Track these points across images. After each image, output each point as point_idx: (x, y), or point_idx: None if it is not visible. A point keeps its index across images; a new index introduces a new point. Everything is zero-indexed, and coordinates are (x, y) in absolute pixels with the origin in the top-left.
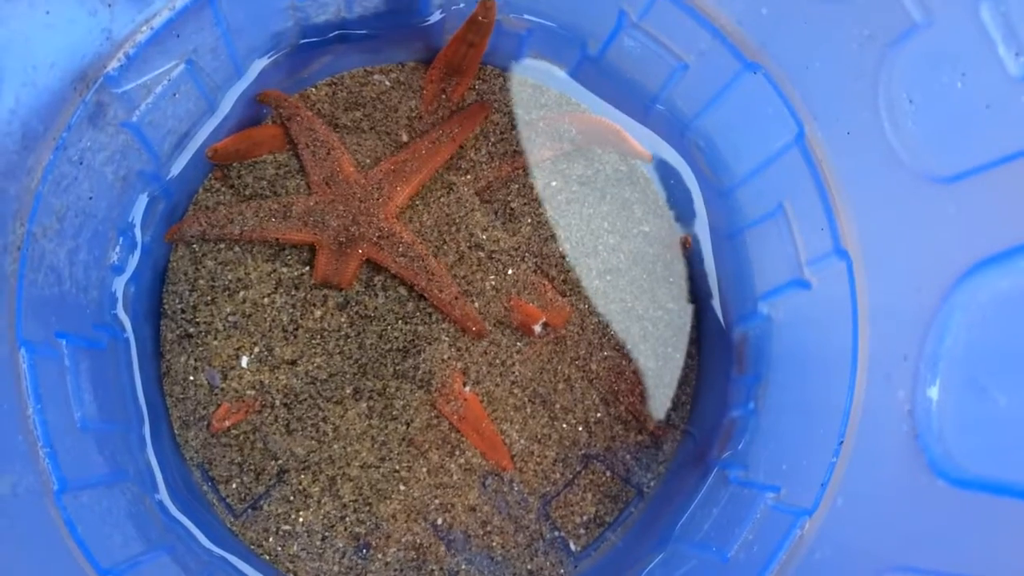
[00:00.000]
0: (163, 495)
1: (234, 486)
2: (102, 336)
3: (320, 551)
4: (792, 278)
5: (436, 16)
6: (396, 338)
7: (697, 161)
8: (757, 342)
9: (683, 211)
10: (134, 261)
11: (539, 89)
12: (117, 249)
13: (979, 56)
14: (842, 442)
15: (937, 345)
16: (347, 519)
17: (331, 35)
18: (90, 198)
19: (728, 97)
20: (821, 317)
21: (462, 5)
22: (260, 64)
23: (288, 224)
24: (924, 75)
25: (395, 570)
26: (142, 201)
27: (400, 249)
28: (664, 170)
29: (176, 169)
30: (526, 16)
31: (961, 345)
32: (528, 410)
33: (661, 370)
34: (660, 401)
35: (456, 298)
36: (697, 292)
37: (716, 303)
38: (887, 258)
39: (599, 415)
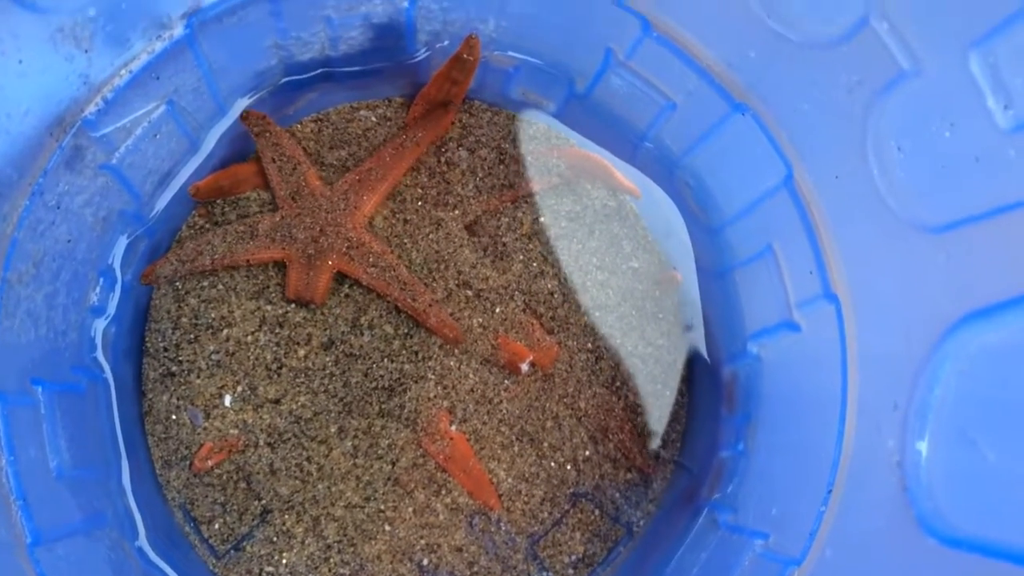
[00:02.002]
0: (143, 540)
1: (216, 526)
2: (80, 379)
3: None
4: (782, 319)
5: (423, 53)
6: (382, 376)
7: (686, 199)
8: (747, 382)
9: (672, 248)
10: (115, 301)
11: (527, 124)
12: (97, 290)
13: (968, 107)
14: (831, 490)
15: (927, 395)
16: (331, 560)
17: (316, 72)
18: (68, 241)
19: (717, 137)
20: (811, 360)
21: (447, 43)
22: (243, 102)
23: (256, 243)
24: (913, 123)
25: None
26: (123, 241)
27: (370, 259)
28: (653, 206)
29: (159, 207)
30: (512, 53)
31: (951, 397)
32: (516, 448)
33: (651, 407)
34: (650, 438)
35: (430, 305)
36: (687, 328)
37: (705, 341)
38: (877, 304)
39: (588, 453)
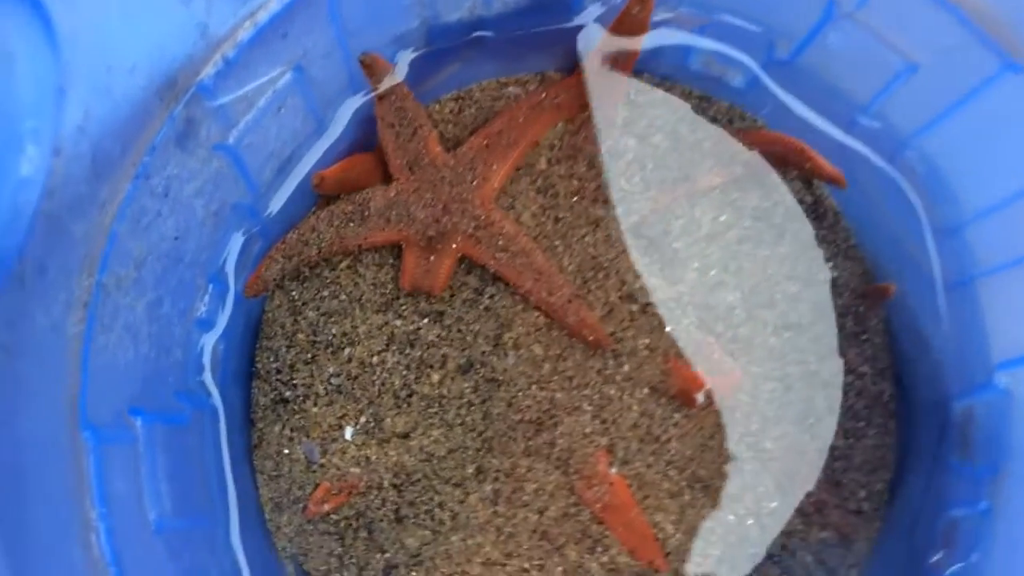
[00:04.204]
0: None
1: None
2: (184, 407)
3: None
4: None
5: (591, 11)
6: (529, 407)
7: (910, 189)
8: (989, 422)
9: (884, 252)
10: (225, 313)
11: (706, 102)
12: (206, 299)
13: None
14: None
15: None
16: None
17: (461, 40)
18: (175, 238)
19: (970, 107)
20: None
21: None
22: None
23: (368, 225)
24: None
25: None
26: (236, 241)
27: (500, 242)
28: (860, 200)
29: (277, 203)
30: (696, 12)
31: None
32: (687, 497)
33: (851, 450)
34: (849, 489)
35: (569, 301)
36: (899, 353)
37: (925, 369)
38: None
39: (774, 505)
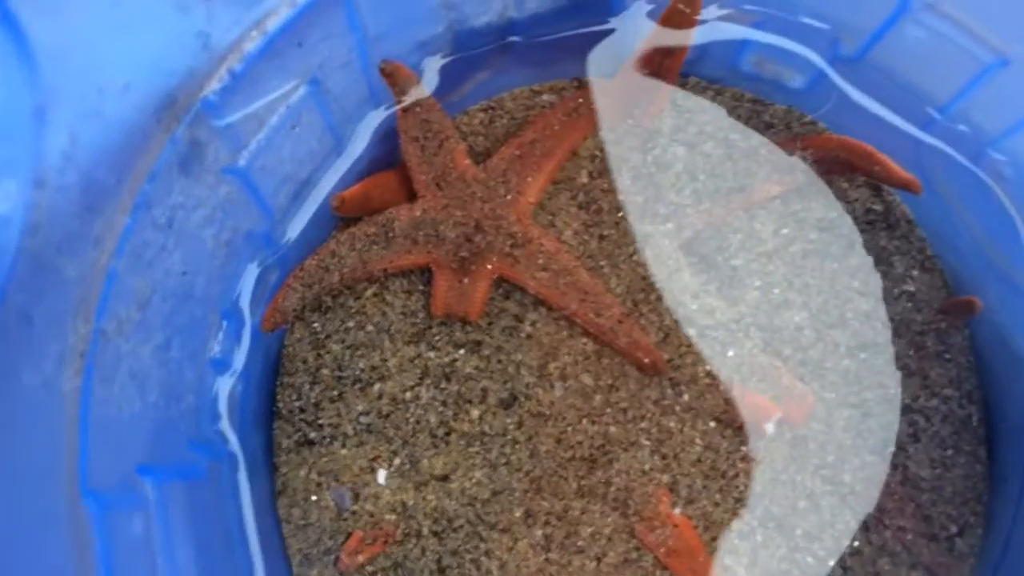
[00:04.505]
0: None
1: None
2: (200, 458)
3: None
4: None
5: (633, 13)
6: (580, 443)
7: (997, 195)
8: None
9: (966, 263)
10: (242, 352)
11: (761, 105)
12: (220, 338)
13: None
14: None
15: None
16: None
17: (491, 46)
18: (183, 273)
19: None
20: None
21: None
22: None
23: (393, 248)
24: None
25: None
26: (251, 272)
27: (540, 261)
28: (936, 207)
29: (294, 229)
30: (749, 7)
31: None
32: (759, 537)
33: (940, 481)
34: (940, 523)
35: (620, 322)
36: (988, 374)
37: (1020, 390)
38: None
39: (857, 544)
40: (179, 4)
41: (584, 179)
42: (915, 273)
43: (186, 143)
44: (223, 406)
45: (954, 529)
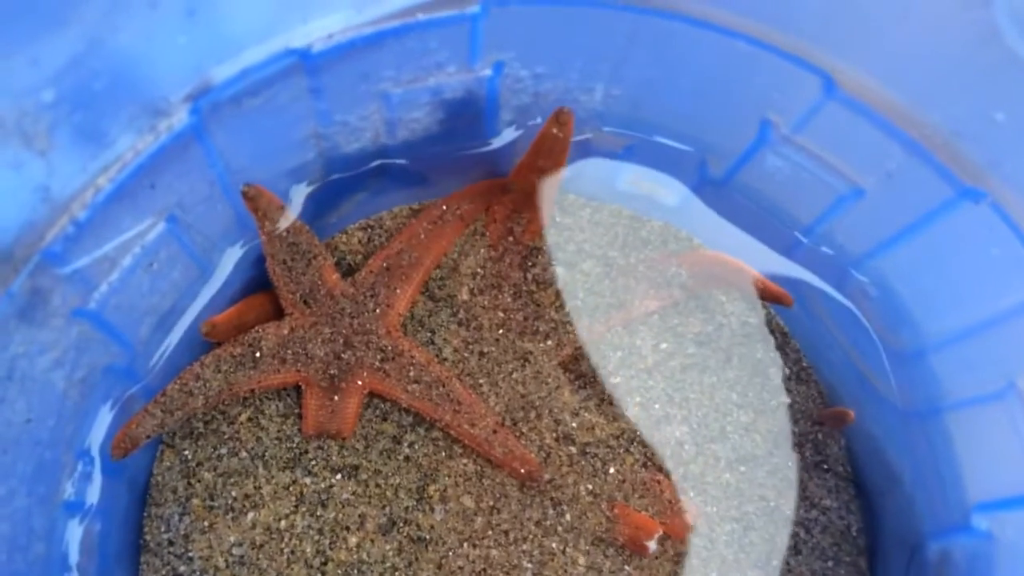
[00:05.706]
0: None
1: None
2: None
3: None
4: None
5: (505, 137)
6: (461, 568)
7: (864, 312)
8: (970, 566)
9: (840, 375)
10: (95, 489)
11: (637, 222)
12: (74, 478)
13: None
14: None
15: None
16: None
17: (365, 168)
18: (27, 421)
19: (925, 233)
20: None
21: (538, 120)
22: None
23: (261, 368)
24: None
25: None
26: (106, 408)
27: (411, 373)
28: (809, 322)
29: (159, 357)
30: (622, 131)
31: None
32: None
33: None
34: None
35: (495, 432)
36: (867, 485)
37: (897, 503)
38: None
39: None
40: (11, 161)
41: (465, 296)
42: (791, 384)
43: (27, 293)
44: (77, 547)
45: None
